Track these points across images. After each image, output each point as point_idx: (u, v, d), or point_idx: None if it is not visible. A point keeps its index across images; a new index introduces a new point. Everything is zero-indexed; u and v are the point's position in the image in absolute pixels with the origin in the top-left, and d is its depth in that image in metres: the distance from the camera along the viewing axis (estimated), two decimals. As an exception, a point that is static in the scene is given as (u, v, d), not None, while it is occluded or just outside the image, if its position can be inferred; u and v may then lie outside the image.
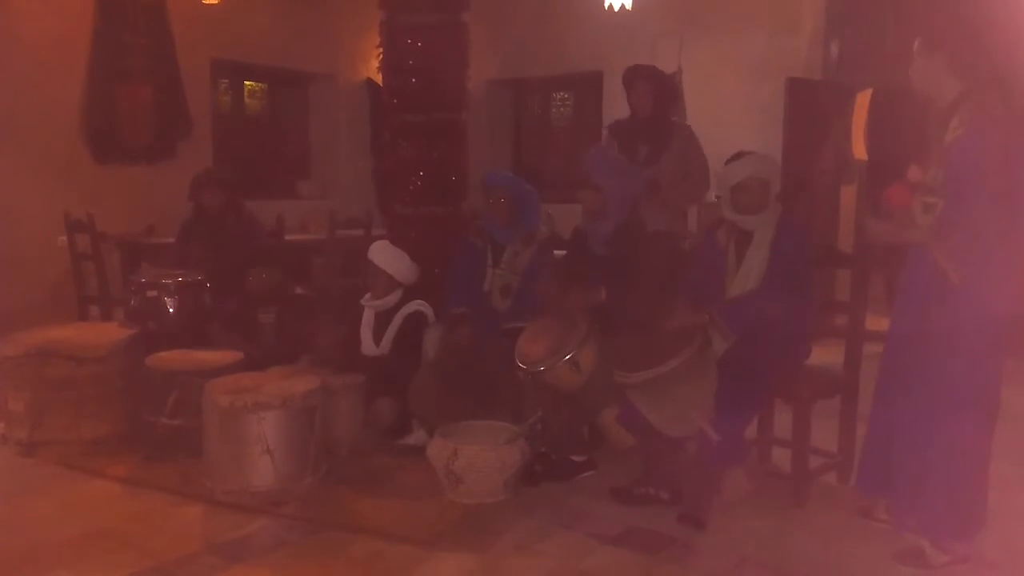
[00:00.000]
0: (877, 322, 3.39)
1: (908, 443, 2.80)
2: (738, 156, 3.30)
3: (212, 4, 6.46)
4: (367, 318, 4.05)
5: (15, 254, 5.75)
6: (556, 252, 4.09)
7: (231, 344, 4.10)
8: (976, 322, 2.63)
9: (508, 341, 3.51)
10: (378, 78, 4.97)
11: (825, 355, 3.50)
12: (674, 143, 4.42)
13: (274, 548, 2.92)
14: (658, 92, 4.44)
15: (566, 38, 7.94)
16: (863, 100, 6.71)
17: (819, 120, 6.68)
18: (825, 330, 3.88)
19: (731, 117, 6.90)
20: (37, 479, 3.52)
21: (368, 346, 4.00)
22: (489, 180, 4.03)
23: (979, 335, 2.65)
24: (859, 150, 6.79)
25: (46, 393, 3.74)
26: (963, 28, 2.73)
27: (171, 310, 4.24)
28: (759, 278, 3.19)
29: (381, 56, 4.55)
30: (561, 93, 8.90)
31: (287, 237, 5.74)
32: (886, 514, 2.99)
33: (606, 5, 6.44)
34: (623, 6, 6.40)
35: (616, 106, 4.79)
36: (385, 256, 4.02)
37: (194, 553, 2.86)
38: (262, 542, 2.97)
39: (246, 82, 7.81)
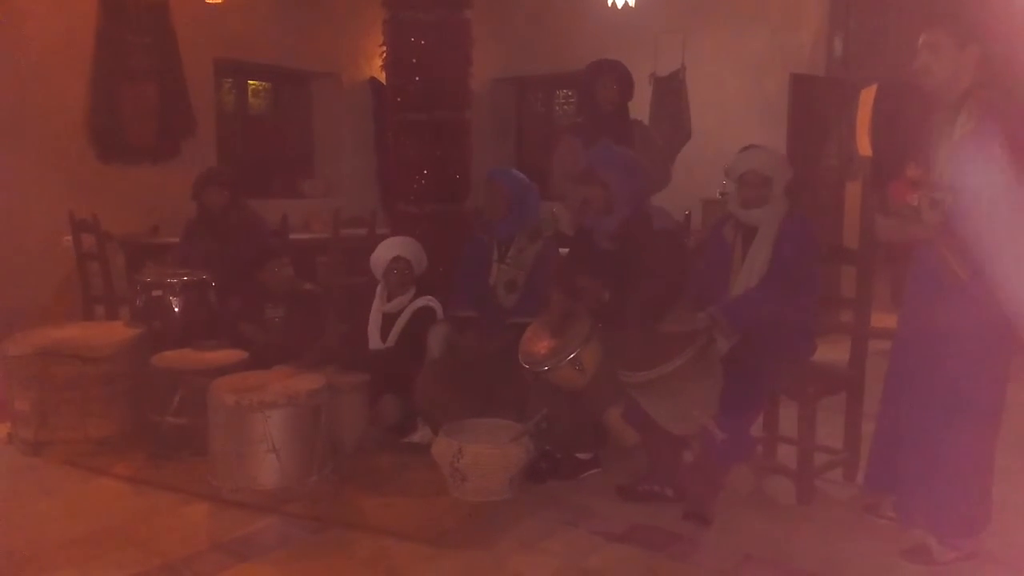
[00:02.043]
0: (882, 319, 3.39)
1: (915, 440, 2.79)
2: (747, 149, 3.29)
3: (216, 3, 6.47)
4: (375, 319, 4.05)
5: (20, 254, 5.77)
6: (561, 250, 4.09)
7: (237, 340, 4.10)
8: (983, 319, 2.62)
9: (513, 338, 3.51)
10: (382, 76, 4.99)
11: (830, 352, 3.50)
12: (635, 137, 4.43)
13: (279, 546, 2.93)
14: (622, 87, 4.45)
15: (569, 36, 7.92)
16: (867, 96, 6.70)
17: (823, 116, 6.67)
18: (830, 327, 3.87)
19: (735, 113, 6.90)
20: (43, 478, 3.53)
21: (375, 343, 4.01)
22: (491, 175, 4.05)
23: (986, 332, 2.64)
24: (863, 146, 6.78)
25: (52, 392, 3.74)
26: (992, 22, 2.71)
27: (176, 309, 4.26)
28: (763, 274, 3.18)
29: (384, 54, 4.55)
30: (564, 91, 8.89)
31: (291, 236, 5.74)
32: (892, 511, 2.99)
33: (609, 2, 6.43)
34: (626, 3, 6.39)
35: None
36: (410, 248, 4.03)
37: (200, 551, 2.87)
38: (267, 540, 2.97)
39: (250, 81, 7.82)
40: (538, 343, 3.35)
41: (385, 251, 4.05)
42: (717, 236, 3.39)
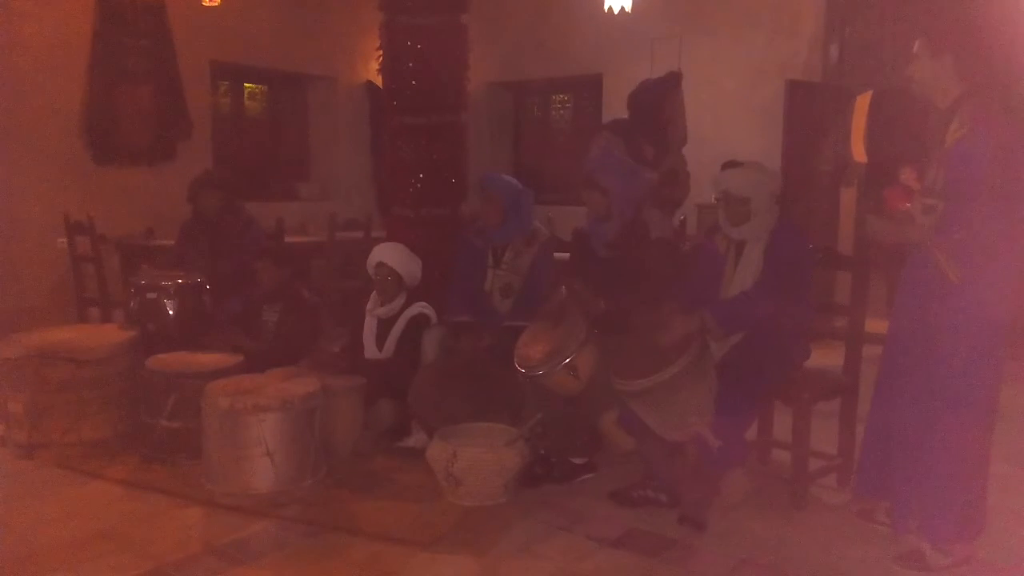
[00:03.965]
0: (877, 324, 3.39)
1: (908, 445, 2.80)
2: (730, 164, 3.31)
3: (212, 6, 6.48)
4: (369, 325, 4.05)
5: (15, 256, 5.76)
6: (556, 254, 4.09)
7: (231, 342, 4.09)
8: (975, 322, 2.63)
9: (508, 342, 3.51)
10: (378, 80, 4.98)
11: (825, 357, 3.50)
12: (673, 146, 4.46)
13: (274, 550, 2.92)
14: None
15: (566, 40, 7.95)
16: (862, 102, 6.73)
17: (818, 122, 6.69)
18: (825, 332, 3.88)
19: (731, 119, 6.92)
20: (36, 481, 3.52)
21: (371, 351, 4.00)
22: (485, 181, 4.06)
23: (978, 335, 2.65)
24: (858, 152, 6.80)
25: (45, 395, 3.73)
26: (969, 30, 2.73)
27: (170, 312, 4.25)
28: (755, 280, 3.18)
29: (381, 58, 4.55)
30: (561, 95, 8.91)
31: (287, 239, 5.74)
32: (886, 516, 2.99)
33: (606, 8, 6.45)
34: (623, 8, 6.40)
35: (615, 108, 4.81)
36: (397, 256, 4.02)
37: (193, 555, 2.86)
38: (262, 544, 2.96)
39: (246, 84, 7.82)
40: (533, 347, 3.35)
41: (373, 256, 4.06)
42: (710, 245, 3.40)
